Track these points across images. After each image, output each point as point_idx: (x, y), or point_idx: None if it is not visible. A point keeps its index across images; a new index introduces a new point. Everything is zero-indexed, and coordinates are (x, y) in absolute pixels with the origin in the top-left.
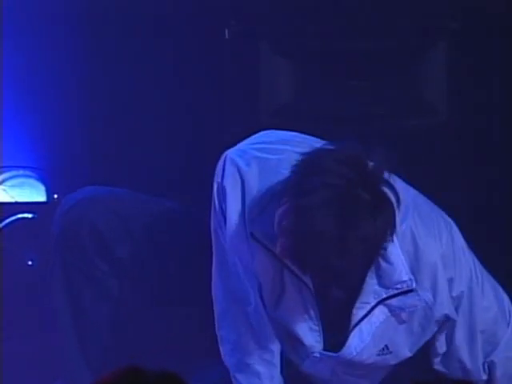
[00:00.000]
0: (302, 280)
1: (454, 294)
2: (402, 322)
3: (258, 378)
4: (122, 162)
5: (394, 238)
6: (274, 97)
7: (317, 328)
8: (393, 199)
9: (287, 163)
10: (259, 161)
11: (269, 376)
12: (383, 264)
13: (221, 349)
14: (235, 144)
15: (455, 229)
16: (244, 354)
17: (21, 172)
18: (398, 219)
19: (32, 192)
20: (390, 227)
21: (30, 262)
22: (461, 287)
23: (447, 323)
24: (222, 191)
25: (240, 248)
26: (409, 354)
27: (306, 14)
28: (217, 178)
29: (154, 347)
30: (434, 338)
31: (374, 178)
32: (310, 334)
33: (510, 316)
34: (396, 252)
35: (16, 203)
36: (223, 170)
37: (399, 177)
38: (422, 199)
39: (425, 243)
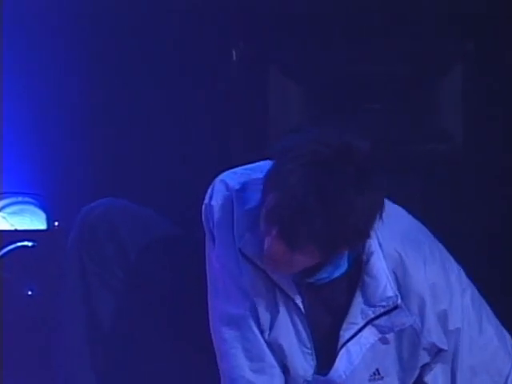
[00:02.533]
0: (292, 301)
1: (452, 328)
2: (391, 342)
3: None
4: (125, 189)
5: (379, 252)
6: (283, 120)
7: (309, 352)
8: (382, 181)
9: None
10: (250, 177)
11: None
12: (367, 279)
13: (222, 379)
14: None
15: (452, 262)
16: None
17: (20, 199)
18: (380, 234)
19: (32, 219)
20: (377, 207)
21: (29, 292)
22: (458, 321)
23: (441, 356)
24: (210, 210)
25: (231, 266)
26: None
27: (318, 36)
28: (205, 201)
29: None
30: (431, 376)
31: (358, 152)
32: (303, 357)
33: None
34: (380, 266)
35: (16, 231)
36: (212, 190)
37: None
38: (417, 228)
39: (413, 267)
